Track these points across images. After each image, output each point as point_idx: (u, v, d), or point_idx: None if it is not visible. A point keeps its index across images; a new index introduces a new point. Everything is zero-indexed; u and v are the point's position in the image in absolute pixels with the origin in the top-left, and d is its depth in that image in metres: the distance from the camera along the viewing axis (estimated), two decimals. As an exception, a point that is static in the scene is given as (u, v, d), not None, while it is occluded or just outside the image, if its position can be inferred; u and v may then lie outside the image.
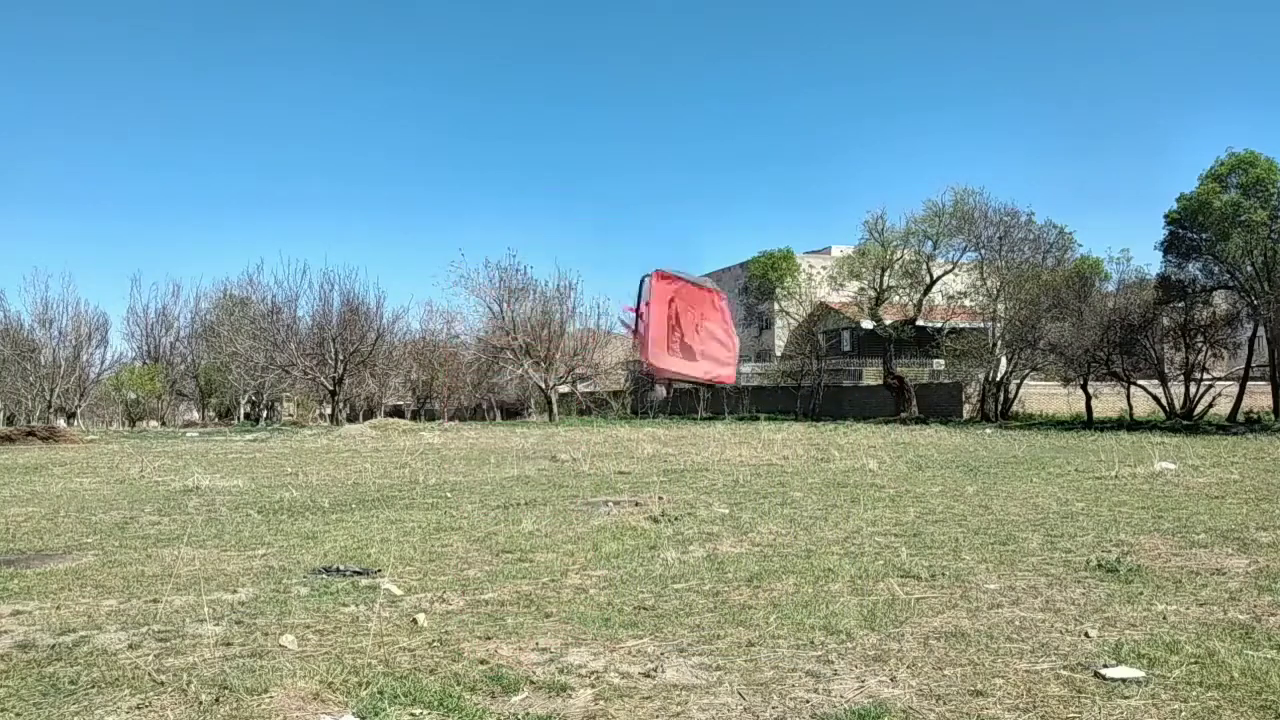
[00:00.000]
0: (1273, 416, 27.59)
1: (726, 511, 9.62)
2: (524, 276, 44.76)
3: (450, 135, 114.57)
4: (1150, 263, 42.97)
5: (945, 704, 3.69)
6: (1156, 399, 29.84)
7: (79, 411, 46.75)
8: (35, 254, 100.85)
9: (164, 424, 50.10)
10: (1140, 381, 30.40)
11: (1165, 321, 30.02)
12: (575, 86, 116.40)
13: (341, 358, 41.53)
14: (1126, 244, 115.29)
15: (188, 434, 35.46)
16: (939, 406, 36.32)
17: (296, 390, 51.53)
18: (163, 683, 4.04)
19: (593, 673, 4.18)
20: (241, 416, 53.42)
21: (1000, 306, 35.51)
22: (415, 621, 5.13)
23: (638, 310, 5.96)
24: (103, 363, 50.42)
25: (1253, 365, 29.61)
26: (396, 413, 51.29)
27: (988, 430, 27.10)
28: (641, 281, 6.03)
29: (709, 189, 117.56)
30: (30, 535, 8.88)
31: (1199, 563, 6.47)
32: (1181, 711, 3.55)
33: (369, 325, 43.22)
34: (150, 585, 6.31)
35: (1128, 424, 28.13)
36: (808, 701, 3.76)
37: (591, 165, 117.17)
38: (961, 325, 37.86)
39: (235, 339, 44.30)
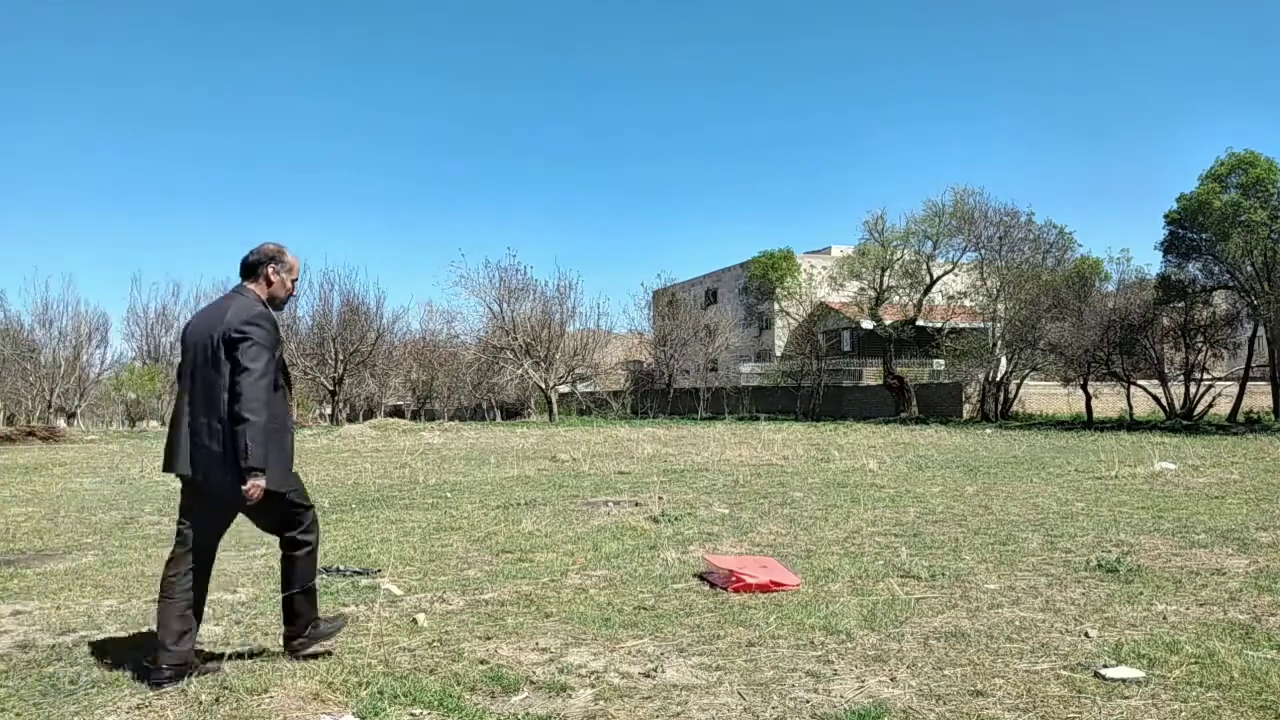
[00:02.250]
0: (1273, 416, 27.60)
1: (726, 511, 9.62)
2: (524, 276, 44.90)
3: (450, 135, 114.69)
4: (1150, 263, 43.11)
5: (945, 704, 3.68)
6: (1156, 399, 29.84)
7: (79, 411, 46.73)
8: (35, 254, 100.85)
9: (164, 424, 50.04)
10: (1140, 381, 30.41)
11: (1165, 321, 30.04)
12: (575, 87, 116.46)
13: (341, 358, 41.53)
14: (1126, 244, 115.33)
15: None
16: (939, 406, 36.33)
17: (296, 390, 51.49)
18: (163, 683, 4.03)
19: (593, 673, 4.17)
20: (241, 416, 53.26)
21: (1000, 306, 35.52)
22: (415, 621, 5.12)
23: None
24: (103, 363, 50.55)
25: (1253, 365, 29.64)
26: (396, 413, 51.28)
27: (988, 430, 27.09)
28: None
29: (709, 189, 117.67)
30: (30, 535, 8.88)
31: (1199, 563, 6.47)
32: (1181, 711, 3.55)
33: (369, 325, 43.26)
34: (150, 585, 6.30)
35: (1128, 424, 28.13)
36: (808, 701, 3.76)
37: (592, 166, 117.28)
38: (961, 325, 37.88)
39: (235, 339, 44.20)
